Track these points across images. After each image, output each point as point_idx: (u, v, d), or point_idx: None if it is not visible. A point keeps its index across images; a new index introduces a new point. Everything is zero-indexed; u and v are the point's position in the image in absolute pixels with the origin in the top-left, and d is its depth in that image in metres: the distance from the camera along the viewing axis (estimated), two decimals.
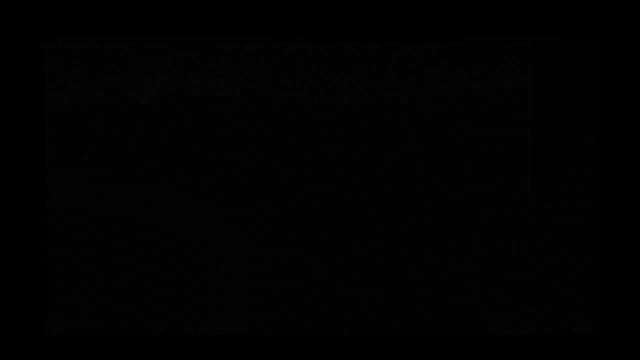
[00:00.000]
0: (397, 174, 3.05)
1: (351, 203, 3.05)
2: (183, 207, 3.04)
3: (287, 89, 3.06)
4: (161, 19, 3.01)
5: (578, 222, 3.04)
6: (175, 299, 3.04)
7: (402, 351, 3.00)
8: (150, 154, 3.05)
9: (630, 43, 2.99)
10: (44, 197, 3.01)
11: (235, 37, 3.03)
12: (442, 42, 3.05)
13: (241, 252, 3.04)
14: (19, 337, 2.98)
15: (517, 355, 3.00)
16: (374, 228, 3.05)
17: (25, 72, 3.00)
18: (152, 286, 3.03)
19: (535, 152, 3.04)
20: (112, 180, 3.04)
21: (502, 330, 3.03)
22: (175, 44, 3.05)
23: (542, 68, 3.05)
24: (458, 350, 3.00)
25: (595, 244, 3.03)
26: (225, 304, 3.04)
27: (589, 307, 3.03)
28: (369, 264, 3.04)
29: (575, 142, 3.04)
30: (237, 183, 3.05)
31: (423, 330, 3.04)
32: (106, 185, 3.04)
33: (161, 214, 3.04)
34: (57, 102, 3.05)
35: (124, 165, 3.04)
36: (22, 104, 2.99)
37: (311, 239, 3.04)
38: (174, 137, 3.05)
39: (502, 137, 3.05)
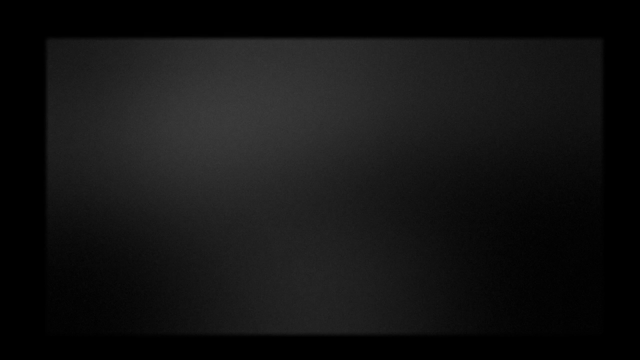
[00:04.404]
0: (397, 173, 3.05)
1: (354, 198, 3.05)
2: (184, 206, 3.04)
3: (295, 87, 3.06)
4: (161, 19, 3.01)
5: (578, 222, 3.04)
6: (176, 299, 3.04)
7: (401, 350, 3.01)
8: (151, 153, 3.04)
9: (633, 44, 3.00)
10: (45, 196, 3.00)
11: (235, 37, 3.03)
12: (444, 42, 3.05)
13: (244, 251, 3.04)
14: (21, 336, 2.98)
15: (517, 355, 3.01)
16: (374, 225, 3.05)
17: (29, 71, 2.99)
18: (153, 286, 3.03)
19: (537, 152, 3.05)
20: (114, 180, 3.04)
21: (502, 330, 3.04)
22: (175, 44, 3.05)
23: (545, 68, 3.05)
24: (458, 349, 3.01)
25: (595, 244, 3.04)
26: (226, 304, 3.04)
27: (589, 307, 3.04)
28: (370, 262, 3.05)
29: (577, 141, 3.05)
30: (238, 182, 3.05)
31: (423, 329, 3.04)
32: (108, 185, 3.04)
33: (163, 214, 3.03)
34: (59, 100, 3.04)
35: (125, 165, 3.04)
36: (25, 102, 2.98)
37: (310, 236, 3.05)
38: (174, 137, 3.05)
39: (503, 138, 3.05)
